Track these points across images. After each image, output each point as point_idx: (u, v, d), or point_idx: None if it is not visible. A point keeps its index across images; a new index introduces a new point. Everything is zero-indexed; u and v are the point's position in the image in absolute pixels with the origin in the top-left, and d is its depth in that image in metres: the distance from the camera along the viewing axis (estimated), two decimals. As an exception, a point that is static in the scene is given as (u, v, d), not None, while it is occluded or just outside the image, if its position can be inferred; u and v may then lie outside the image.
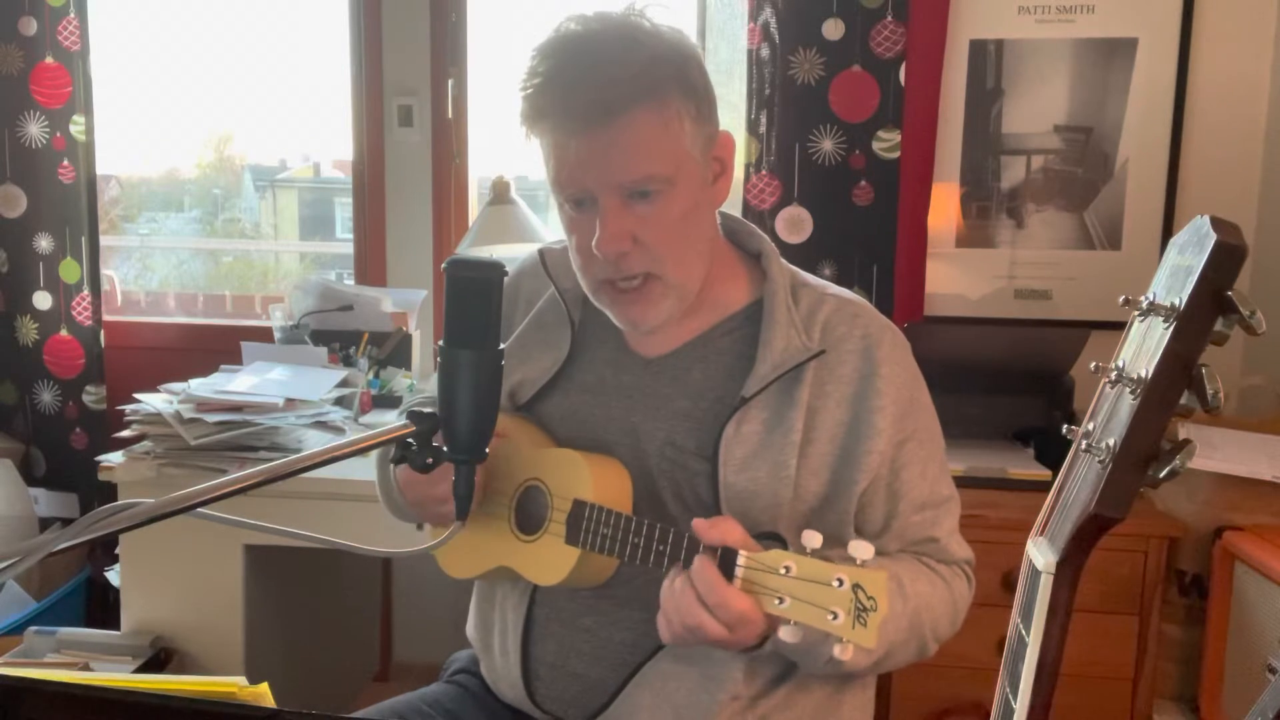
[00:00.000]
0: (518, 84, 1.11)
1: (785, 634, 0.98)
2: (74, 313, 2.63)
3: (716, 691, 1.14)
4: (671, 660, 1.16)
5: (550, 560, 1.16)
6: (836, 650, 0.95)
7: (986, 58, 2.36)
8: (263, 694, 0.78)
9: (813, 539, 0.98)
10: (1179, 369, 0.58)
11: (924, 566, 1.18)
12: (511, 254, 2.21)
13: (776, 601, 0.98)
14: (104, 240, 2.72)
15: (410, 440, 0.90)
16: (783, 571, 0.98)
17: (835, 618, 0.94)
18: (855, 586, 0.94)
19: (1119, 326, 0.65)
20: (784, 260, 1.23)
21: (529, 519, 1.20)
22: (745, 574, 1.00)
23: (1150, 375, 0.59)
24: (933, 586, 1.16)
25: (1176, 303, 0.58)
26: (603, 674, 1.20)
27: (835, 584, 0.94)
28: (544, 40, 1.11)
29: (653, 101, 1.07)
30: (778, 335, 1.15)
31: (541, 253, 1.31)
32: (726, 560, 1.01)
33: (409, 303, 2.51)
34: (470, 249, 2.34)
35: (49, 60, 2.55)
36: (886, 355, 1.16)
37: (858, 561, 0.95)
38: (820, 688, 1.20)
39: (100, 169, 2.65)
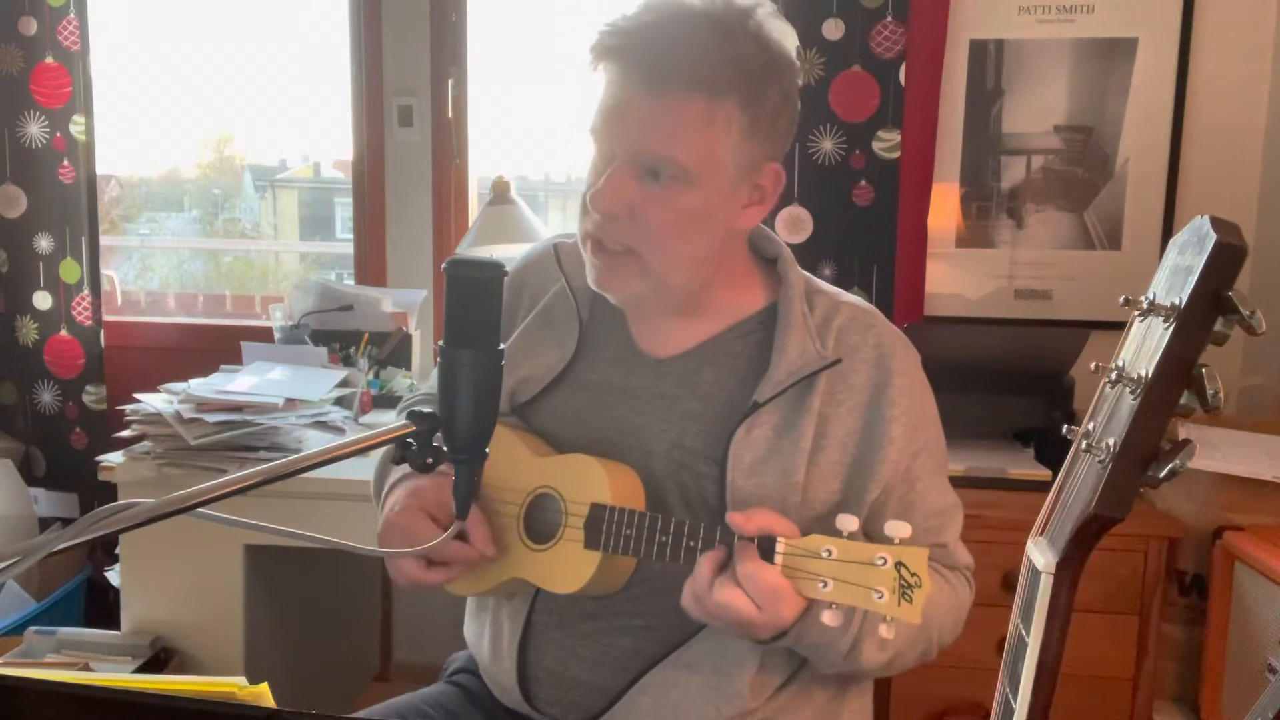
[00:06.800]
0: (607, 12, 1.09)
1: (828, 618, 0.98)
2: (74, 313, 2.63)
3: (723, 705, 1.14)
4: (676, 668, 1.16)
5: (568, 567, 1.14)
6: (883, 629, 0.95)
7: (986, 58, 2.36)
8: (263, 694, 0.78)
9: (849, 523, 0.99)
10: (1179, 369, 0.58)
11: (932, 571, 1.17)
12: (511, 254, 2.21)
13: (820, 585, 0.98)
14: (104, 240, 2.72)
15: (410, 440, 0.90)
16: (824, 555, 0.98)
17: (880, 596, 0.94)
18: (898, 564, 0.94)
19: (1119, 326, 0.65)
20: (799, 266, 1.23)
21: (540, 528, 1.18)
22: (785, 560, 1.00)
23: (1150, 375, 0.59)
24: (940, 591, 1.17)
25: (1176, 303, 0.58)
26: (603, 680, 1.19)
27: (878, 562, 0.94)
28: None
29: (709, 94, 1.06)
30: (793, 342, 1.14)
31: (557, 246, 1.29)
32: (765, 548, 1.01)
33: (409, 303, 2.51)
34: (470, 249, 2.34)
35: (49, 60, 2.55)
36: (899, 366, 1.16)
37: (895, 541, 0.95)
38: (821, 691, 1.20)
39: (100, 169, 2.65)
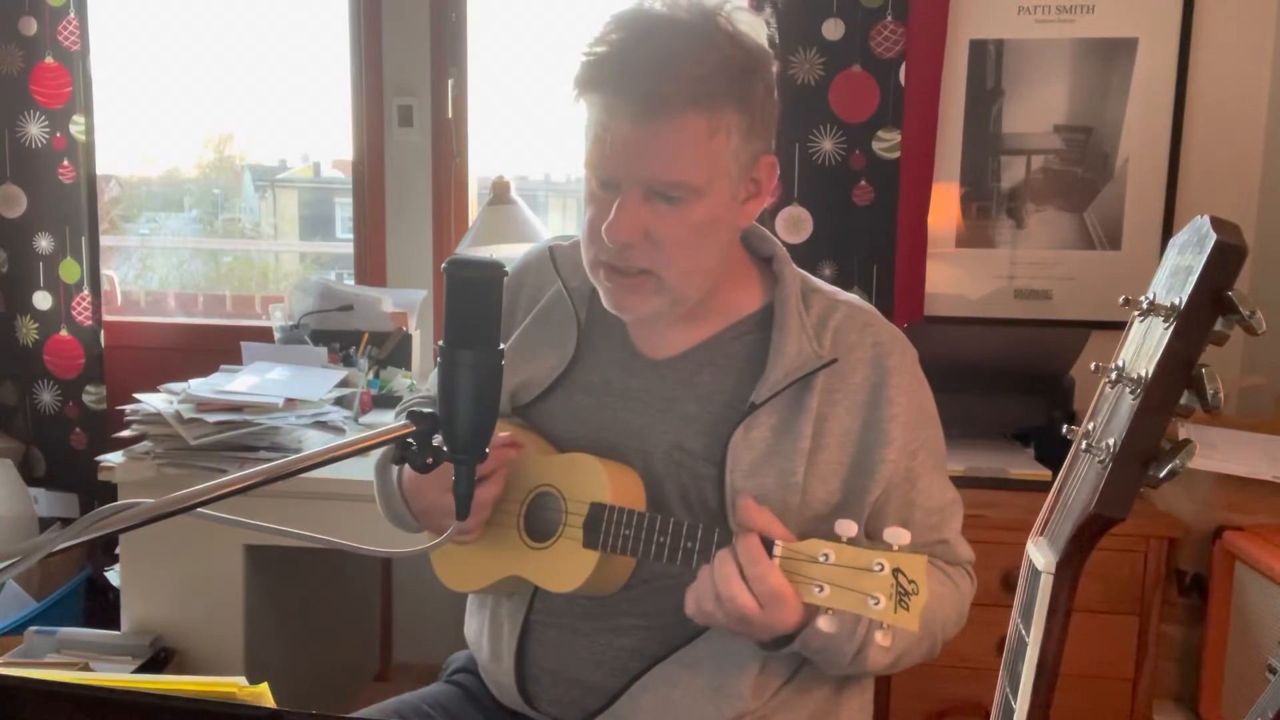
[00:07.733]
0: (583, 43, 1.08)
1: (824, 624, 0.98)
2: (74, 313, 2.63)
3: (724, 705, 1.14)
4: (678, 667, 1.16)
5: (566, 566, 1.14)
6: (879, 636, 0.95)
7: (986, 58, 2.36)
8: (263, 694, 0.78)
9: (847, 528, 0.98)
10: (1179, 369, 0.58)
11: (934, 568, 1.18)
12: (511, 254, 2.21)
13: (816, 590, 0.97)
14: (104, 240, 2.72)
15: (410, 440, 0.90)
16: (822, 559, 0.97)
17: (877, 603, 0.94)
18: (895, 571, 0.94)
19: (1119, 326, 0.65)
20: (794, 264, 1.23)
21: (540, 526, 1.18)
22: (782, 563, 1.00)
23: (1150, 375, 0.59)
24: (943, 587, 1.17)
25: (1176, 303, 0.58)
26: (603, 680, 1.19)
27: (875, 568, 0.94)
28: (625, 9, 1.08)
29: (707, 108, 1.05)
30: (790, 342, 1.14)
31: (552, 249, 1.29)
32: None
33: (409, 303, 2.51)
34: (470, 249, 2.34)
35: (49, 60, 2.55)
36: (897, 364, 1.16)
37: (894, 548, 0.95)
38: (819, 689, 1.20)
39: (100, 169, 2.65)
